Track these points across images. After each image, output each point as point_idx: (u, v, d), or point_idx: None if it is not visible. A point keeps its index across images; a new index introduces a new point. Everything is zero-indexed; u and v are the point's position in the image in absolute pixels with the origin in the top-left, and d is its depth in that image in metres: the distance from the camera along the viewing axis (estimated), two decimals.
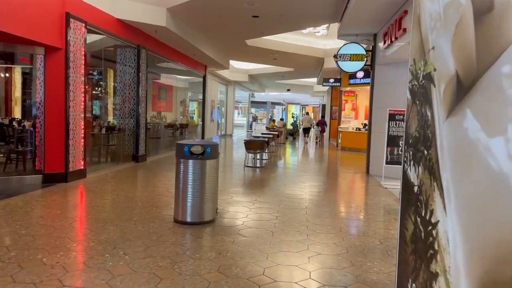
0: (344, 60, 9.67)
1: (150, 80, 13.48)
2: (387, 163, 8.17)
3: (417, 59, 2.31)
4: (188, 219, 4.80)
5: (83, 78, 7.72)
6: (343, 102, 18.72)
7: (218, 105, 23.00)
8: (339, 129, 17.95)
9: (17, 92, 11.34)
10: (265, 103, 47.14)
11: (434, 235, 1.91)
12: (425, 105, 2.11)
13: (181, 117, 16.81)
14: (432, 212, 1.95)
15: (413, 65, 2.39)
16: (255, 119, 46.54)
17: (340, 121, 18.67)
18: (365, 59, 9.67)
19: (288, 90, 34.39)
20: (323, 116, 26.82)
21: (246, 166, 10.37)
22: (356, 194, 7.39)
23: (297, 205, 6.07)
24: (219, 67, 17.41)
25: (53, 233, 4.30)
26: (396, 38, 7.51)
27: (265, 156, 12.50)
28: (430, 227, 1.97)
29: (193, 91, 17.89)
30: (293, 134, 26.05)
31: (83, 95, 7.75)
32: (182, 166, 4.80)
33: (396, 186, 7.87)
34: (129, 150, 10.31)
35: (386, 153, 8.13)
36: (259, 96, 40.88)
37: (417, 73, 2.28)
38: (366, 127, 16.61)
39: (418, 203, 2.15)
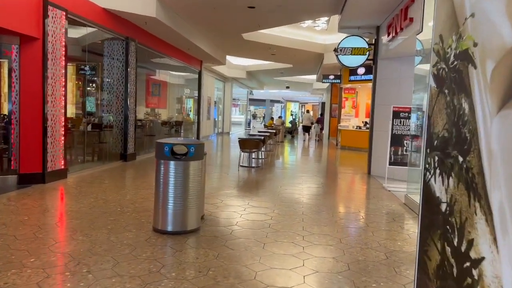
0: (345, 54, 9.11)
1: (144, 75, 12.96)
2: (390, 164, 7.62)
3: (445, 35, 1.75)
4: (169, 228, 4.25)
5: (63, 71, 7.16)
6: (343, 99, 18.16)
7: (215, 102, 22.44)
8: (339, 128, 17.40)
9: (6, 87, 10.79)
10: (264, 100, 46.53)
11: (476, 277, 1.35)
12: (459, 94, 1.56)
13: (177, 114, 16.27)
14: (471, 243, 1.40)
15: (438, 43, 1.83)
16: (254, 116, 45.97)
17: (340, 119, 18.12)
18: (367, 53, 9.12)
19: (287, 87, 33.86)
20: (322, 114, 26.38)
21: (240, 166, 9.83)
22: (357, 198, 6.85)
23: (293, 210, 5.52)
24: (215, 62, 16.85)
25: (11, 244, 3.75)
26: (401, 29, 6.95)
27: (262, 155, 11.96)
28: (467, 264, 1.41)
29: (189, 87, 17.32)
30: (291, 132, 25.52)
31: (63, 89, 7.19)
32: (162, 168, 4.25)
33: (400, 188, 7.33)
34: (117, 148, 9.75)
35: (390, 153, 7.59)
36: (258, 93, 40.29)
37: (446, 53, 1.73)
38: (367, 125, 16.07)
39: (448, 227, 1.60)
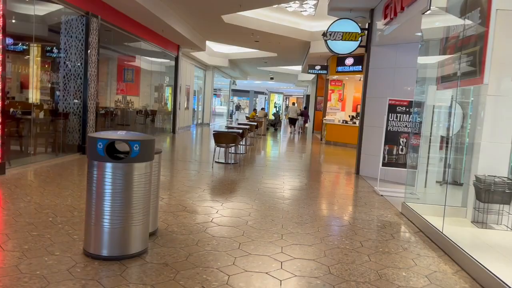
0: (335, 39, 8.11)
1: (115, 59, 11.78)
2: (384, 164, 6.70)
3: None
4: (104, 252, 3.19)
5: (1, 46, 5.96)
6: (329, 92, 17.26)
7: (195, 91, 21.24)
8: (324, 121, 16.50)
9: None
10: (247, 91, 45.40)
11: None
12: None
13: (154, 102, 15.11)
14: None
15: None
16: (238, 108, 44.96)
17: (326, 112, 17.23)
18: (360, 38, 8.14)
19: (272, 78, 32.83)
20: (305, 107, 25.56)
21: (216, 162, 8.80)
22: (346, 204, 5.90)
23: (270, 222, 4.53)
24: (194, 48, 15.67)
25: None
26: (402, 9, 5.99)
27: (241, 149, 10.96)
28: None
29: (167, 75, 16.11)
30: (274, 125, 24.56)
31: (0, 68, 5.99)
32: (95, 172, 3.18)
33: (394, 193, 6.44)
34: (74, 139, 8.58)
35: (384, 152, 6.67)
36: (242, 84, 39.13)
37: None
38: (354, 119, 15.22)
39: None
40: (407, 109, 6.46)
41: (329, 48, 8.27)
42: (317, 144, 15.53)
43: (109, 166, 3.14)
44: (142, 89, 14.22)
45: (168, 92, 16.81)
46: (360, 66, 14.10)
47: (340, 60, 14.90)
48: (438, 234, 4.07)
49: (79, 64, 8.47)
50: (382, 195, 6.42)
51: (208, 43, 18.35)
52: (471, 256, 3.34)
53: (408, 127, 6.49)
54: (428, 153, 6.39)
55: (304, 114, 22.76)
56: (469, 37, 3.96)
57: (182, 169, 7.70)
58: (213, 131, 8.58)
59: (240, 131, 9.02)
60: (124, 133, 3.29)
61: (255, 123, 13.33)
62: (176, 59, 15.52)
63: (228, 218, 4.55)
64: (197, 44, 14.66)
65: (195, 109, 21.78)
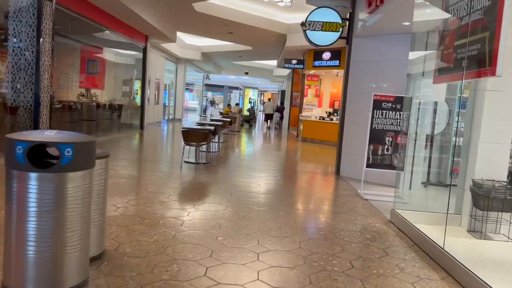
0: (314, 29, 7.51)
1: (78, 50, 10.86)
2: (368, 165, 6.17)
3: None
4: None
5: None
6: (306, 87, 16.74)
7: (166, 85, 20.29)
8: (300, 118, 15.97)
9: None
10: (222, 86, 44.54)
11: None
12: None
13: (121, 96, 14.16)
14: None
15: None
16: (212, 103, 44.18)
17: (302, 108, 16.71)
18: (341, 29, 7.57)
19: (246, 73, 32.17)
20: (282, 103, 25.10)
21: (185, 161, 8.07)
22: (329, 211, 5.32)
23: (244, 237, 3.88)
24: (164, 39, 14.78)
25: None
26: None
27: (214, 147, 10.26)
28: None
29: (136, 68, 15.15)
30: (249, 121, 23.89)
31: None
32: (15, 185, 2.44)
33: (379, 197, 5.92)
34: None
35: (368, 153, 6.12)
36: (216, 79, 38.22)
37: None
38: (331, 116, 14.77)
39: None
40: (394, 106, 5.94)
41: (308, 39, 7.66)
42: (293, 141, 14.99)
43: (33, 177, 2.40)
44: (108, 82, 13.28)
45: (136, 86, 15.88)
46: (338, 61, 13.63)
47: (317, 54, 14.38)
48: (439, 250, 3.53)
49: (30, 52, 7.53)
50: (366, 199, 5.88)
51: (180, 35, 17.49)
52: (486, 283, 2.79)
53: (394, 125, 5.97)
54: (415, 152, 5.92)
55: (280, 110, 22.33)
56: (476, 21, 3.42)
57: (146, 171, 6.94)
58: (182, 128, 7.84)
59: (212, 128, 8.32)
60: (54, 133, 2.55)
61: (229, 119, 12.64)
62: (144, 51, 14.59)
63: (194, 233, 3.87)
64: (167, 34, 13.79)
65: (166, 104, 20.83)
